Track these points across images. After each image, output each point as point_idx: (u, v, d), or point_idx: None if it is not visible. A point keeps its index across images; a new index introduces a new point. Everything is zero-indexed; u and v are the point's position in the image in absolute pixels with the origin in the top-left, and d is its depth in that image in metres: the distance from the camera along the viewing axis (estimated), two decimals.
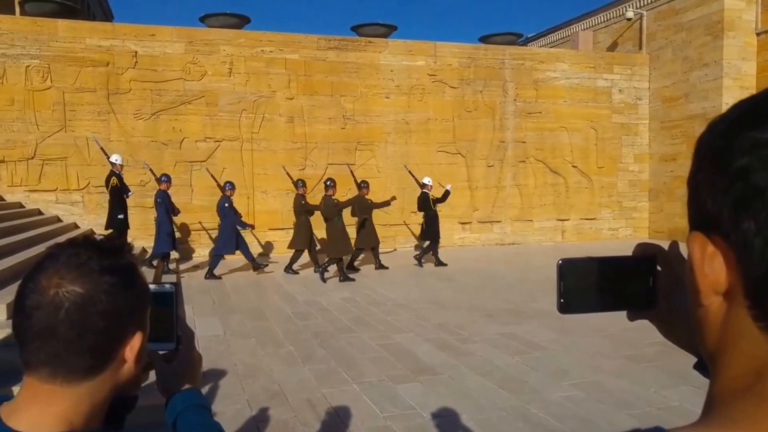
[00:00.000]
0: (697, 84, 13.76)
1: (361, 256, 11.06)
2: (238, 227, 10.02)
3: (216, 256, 9.90)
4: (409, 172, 11.99)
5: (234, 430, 3.67)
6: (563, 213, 14.66)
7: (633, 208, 15.22)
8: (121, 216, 9.48)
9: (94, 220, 11.21)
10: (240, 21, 13.08)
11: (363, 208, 10.16)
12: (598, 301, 0.55)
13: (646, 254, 0.54)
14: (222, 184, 10.23)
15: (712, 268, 0.41)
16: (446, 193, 11.19)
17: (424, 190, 10.99)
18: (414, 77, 13.34)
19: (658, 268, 0.57)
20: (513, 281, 9.31)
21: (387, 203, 10.35)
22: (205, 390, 4.36)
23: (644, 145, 15.23)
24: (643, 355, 5.05)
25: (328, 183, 9.74)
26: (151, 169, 10.62)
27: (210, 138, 12.07)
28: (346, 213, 10.10)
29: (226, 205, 9.87)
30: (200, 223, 12.05)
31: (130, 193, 9.89)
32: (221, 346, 5.62)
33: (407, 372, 4.78)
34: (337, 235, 9.46)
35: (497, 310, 7.14)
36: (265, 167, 12.30)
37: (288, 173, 11.20)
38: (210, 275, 9.64)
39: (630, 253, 0.58)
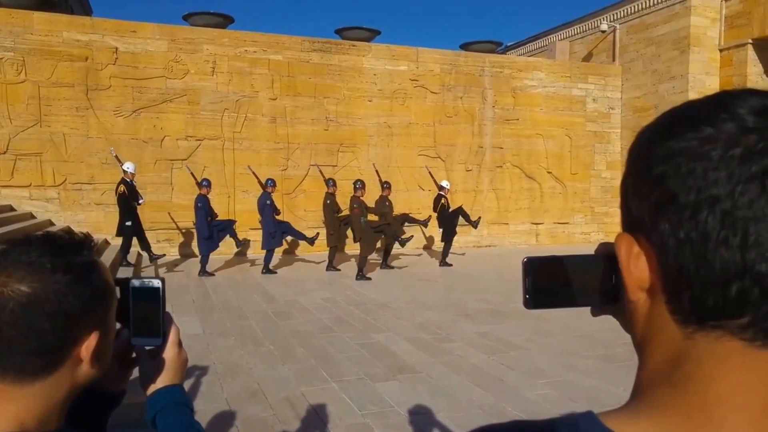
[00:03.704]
0: (666, 96, 14.26)
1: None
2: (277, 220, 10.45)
3: (268, 252, 10.28)
4: (429, 173, 12.47)
5: (213, 428, 3.67)
6: (538, 217, 15.01)
7: (604, 213, 15.66)
8: (129, 223, 9.50)
9: (70, 217, 11.02)
10: (224, 20, 13.04)
11: (379, 209, 10.53)
12: (562, 297, 0.56)
13: (608, 253, 0.55)
14: (263, 182, 10.49)
15: (636, 267, 0.44)
16: (453, 218, 11.42)
17: (440, 193, 11.36)
18: (396, 82, 13.50)
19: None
20: (490, 282, 9.50)
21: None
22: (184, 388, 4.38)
23: (616, 153, 15.69)
24: (614, 354, 5.24)
25: (358, 185, 10.07)
26: (192, 174, 10.70)
27: (191, 137, 11.98)
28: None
29: (268, 201, 10.22)
30: (174, 220, 11.95)
31: (141, 201, 9.92)
32: (200, 345, 5.61)
33: (386, 370, 4.85)
34: (367, 235, 9.83)
35: (475, 310, 7.29)
36: (247, 167, 12.26)
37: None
38: (266, 270, 10.15)
39: (593, 253, 0.61)
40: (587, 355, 5.30)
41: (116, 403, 0.95)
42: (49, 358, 0.72)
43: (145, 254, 10.18)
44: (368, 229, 9.99)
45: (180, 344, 0.94)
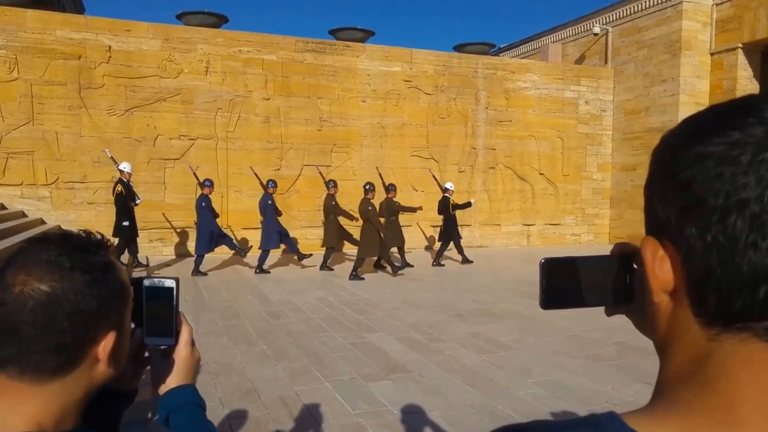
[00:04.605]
0: (657, 99, 14.41)
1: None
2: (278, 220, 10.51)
3: (264, 252, 10.33)
4: (433, 176, 12.60)
5: None
6: (529, 218, 15.11)
7: (595, 214, 15.80)
8: (126, 223, 9.52)
9: (62, 216, 10.99)
10: (218, 20, 13.03)
11: (390, 209, 10.60)
12: (578, 297, 0.57)
13: (624, 253, 0.56)
14: (265, 183, 10.56)
15: (661, 270, 0.45)
16: (467, 204, 11.77)
17: (446, 195, 11.50)
18: (390, 82, 13.55)
19: (635, 266, 0.57)
20: (482, 283, 9.57)
21: (413, 209, 10.98)
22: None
23: (607, 155, 15.83)
24: (602, 354, 5.31)
25: (367, 187, 10.19)
26: (194, 173, 10.73)
27: (184, 136, 11.97)
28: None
29: (269, 202, 10.30)
30: (167, 219, 11.94)
31: (138, 201, 9.92)
32: None
33: (378, 370, 4.89)
34: (370, 237, 9.96)
35: (466, 311, 7.34)
36: (240, 166, 12.28)
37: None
38: (259, 270, 10.21)
39: (608, 253, 0.62)
40: (576, 355, 5.36)
41: (129, 402, 0.95)
42: (66, 358, 0.72)
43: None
44: (375, 233, 10.04)
45: (193, 344, 0.94)
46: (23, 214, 10.64)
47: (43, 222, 10.74)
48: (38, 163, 11.02)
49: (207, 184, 10.13)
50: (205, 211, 9.93)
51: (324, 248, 10.86)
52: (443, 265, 11.35)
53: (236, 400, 4.19)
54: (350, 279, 9.61)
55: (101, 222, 10.60)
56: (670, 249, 0.44)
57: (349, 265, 10.80)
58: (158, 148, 11.79)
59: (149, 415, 3.50)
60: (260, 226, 10.70)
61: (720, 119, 0.43)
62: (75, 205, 11.21)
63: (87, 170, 11.30)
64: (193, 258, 10.23)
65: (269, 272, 10.28)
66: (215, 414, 3.93)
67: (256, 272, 10.19)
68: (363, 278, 9.72)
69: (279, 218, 10.53)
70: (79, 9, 21.55)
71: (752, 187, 0.39)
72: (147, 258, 10.72)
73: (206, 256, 10.16)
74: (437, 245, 12.10)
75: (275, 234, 10.33)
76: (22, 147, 10.90)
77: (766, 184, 0.39)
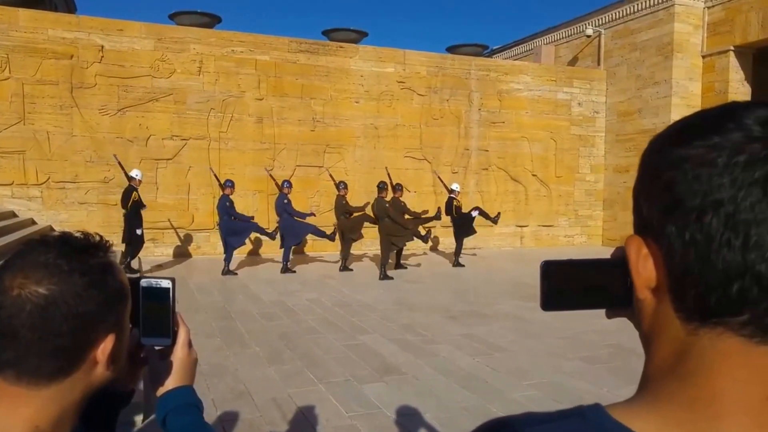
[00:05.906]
0: (649, 101, 14.52)
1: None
2: (298, 218, 10.64)
3: (287, 248, 10.54)
4: (439, 178, 12.72)
5: None
6: (522, 219, 15.15)
7: (588, 216, 15.87)
8: (139, 231, 9.59)
9: (53, 216, 10.91)
10: (211, 20, 13.01)
11: (397, 209, 10.74)
12: (578, 299, 0.58)
13: (624, 256, 0.56)
14: (280, 183, 10.73)
15: (645, 267, 0.47)
16: (470, 217, 11.83)
17: (451, 196, 11.67)
18: (383, 83, 13.55)
19: None
20: (475, 284, 9.58)
21: (419, 214, 11.12)
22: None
23: (600, 157, 15.92)
24: (597, 356, 5.32)
25: (381, 185, 10.44)
26: (215, 176, 10.79)
27: (177, 136, 11.92)
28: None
29: (285, 201, 10.45)
30: (169, 220, 11.89)
31: (144, 208, 9.98)
32: None
33: (372, 372, 4.88)
34: (388, 232, 10.30)
35: (460, 312, 7.34)
36: (233, 167, 12.24)
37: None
38: (285, 269, 10.41)
39: (607, 257, 0.62)
40: (571, 357, 5.37)
41: (126, 402, 0.94)
42: (65, 361, 0.71)
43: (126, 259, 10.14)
44: (393, 227, 10.31)
45: (190, 345, 0.94)
46: (13, 214, 10.53)
47: (33, 222, 10.65)
48: (29, 162, 10.94)
49: (228, 184, 10.24)
50: (231, 209, 10.08)
51: (341, 249, 10.94)
52: (463, 265, 11.46)
53: (229, 402, 4.16)
54: (380, 279, 9.77)
55: (93, 222, 10.54)
56: (653, 247, 0.46)
57: (333, 267, 10.82)
58: (150, 148, 11.73)
59: (138, 418, 3.45)
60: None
61: (703, 123, 0.45)
62: (66, 205, 11.13)
63: (78, 170, 11.22)
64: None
65: (294, 271, 10.41)
66: (208, 416, 3.85)
67: (281, 272, 10.34)
68: (392, 278, 9.90)
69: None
70: (71, 8, 21.41)
71: (727, 188, 0.41)
72: (140, 260, 10.64)
73: (213, 255, 10.22)
74: (443, 246, 12.15)
75: (293, 230, 10.46)
76: (13, 146, 10.82)
77: (739, 186, 0.41)
